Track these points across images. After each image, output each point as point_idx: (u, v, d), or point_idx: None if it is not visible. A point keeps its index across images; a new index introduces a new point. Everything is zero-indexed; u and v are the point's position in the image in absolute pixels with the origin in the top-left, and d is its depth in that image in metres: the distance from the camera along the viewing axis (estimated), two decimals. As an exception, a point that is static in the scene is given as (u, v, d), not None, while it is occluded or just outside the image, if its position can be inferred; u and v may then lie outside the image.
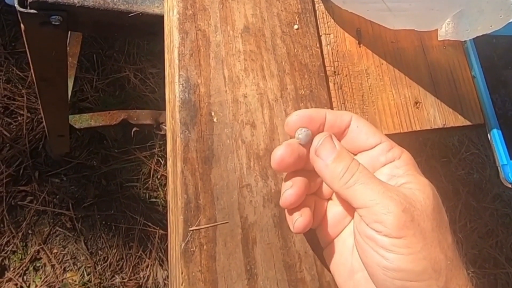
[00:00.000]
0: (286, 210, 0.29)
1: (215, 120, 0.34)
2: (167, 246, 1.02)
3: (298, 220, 0.28)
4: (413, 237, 0.24)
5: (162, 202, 1.06)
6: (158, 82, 1.15)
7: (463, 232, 1.18)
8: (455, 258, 0.25)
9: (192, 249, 0.29)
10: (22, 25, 0.42)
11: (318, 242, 0.31)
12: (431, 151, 1.26)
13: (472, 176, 1.27)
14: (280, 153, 0.27)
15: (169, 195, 0.32)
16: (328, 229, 0.30)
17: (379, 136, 0.28)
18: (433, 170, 1.23)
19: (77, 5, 0.40)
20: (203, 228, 0.30)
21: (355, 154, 0.30)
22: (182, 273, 0.28)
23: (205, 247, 0.29)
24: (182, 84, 0.34)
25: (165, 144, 1.09)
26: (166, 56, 0.38)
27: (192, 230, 0.29)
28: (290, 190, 0.28)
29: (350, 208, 0.29)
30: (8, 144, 1.00)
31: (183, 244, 0.29)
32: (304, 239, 0.31)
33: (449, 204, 1.21)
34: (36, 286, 0.93)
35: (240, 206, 0.31)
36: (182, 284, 0.28)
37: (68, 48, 0.86)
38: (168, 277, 0.98)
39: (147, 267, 0.98)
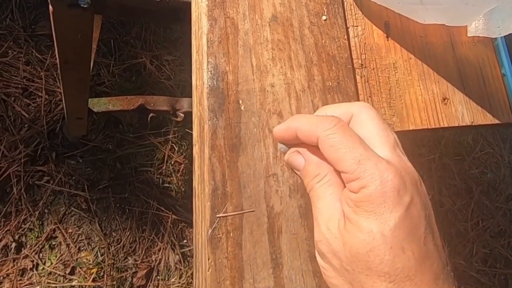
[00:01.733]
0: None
1: (242, 108, 0.34)
2: (179, 231, 1.04)
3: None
4: (328, 264, 0.27)
5: (175, 187, 1.07)
6: (173, 69, 1.15)
7: (475, 230, 1.18)
8: None
9: (219, 235, 0.29)
10: (50, 7, 0.42)
11: None
12: (445, 148, 1.25)
13: (486, 175, 1.26)
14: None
15: (195, 181, 0.33)
16: None
17: (340, 167, 0.26)
18: (446, 168, 1.22)
19: (106, -12, 0.40)
20: (230, 215, 0.30)
21: None
22: (208, 259, 0.28)
23: (231, 234, 0.30)
24: (211, 71, 0.34)
25: (179, 131, 1.09)
26: (194, 42, 0.38)
27: (219, 217, 0.30)
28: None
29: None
30: (26, 125, 1.02)
31: (210, 231, 0.29)
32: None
33: (461, 203, 1.20)
34: (52, 263, 0.95)
35: (266, 195, 0.31)
36: (208, 270, 0.28)
37: (88, 31, 0.86)
38: (180, 262, 1.00)
39: (159, 250, 1.00)
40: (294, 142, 0.30)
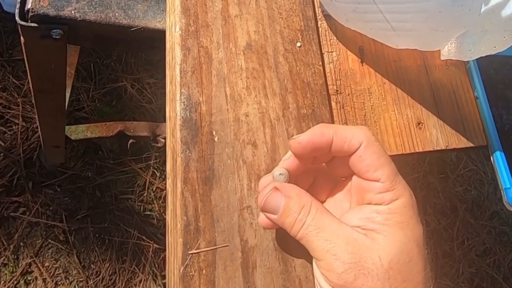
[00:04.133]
0: None
1: (216, 139, 0.33)
2: (161, 260, 1.01)
3: (262, 215, 0.28)
4: None
5: (157, 215, 1.05)
6: (155, 92, 1.14)
7: (461, 249, 1.17)
8: None
9: (191, 273, 0.28)
10: (22, 38, 0.41)
11: None
12: (429, 166, 1.26)
13: (470, 193, 1.27)
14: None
15: (168, 216, 0.32)
16: None
17: (379, 174, 0.26)
18: (431, 186, 1.23)
19: (79, 19, 0.40)
20: (202, 251, 0.29)
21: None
22: (180, 299, 0.27)
23: (204, 271, 0.28)
24: (184, 102, 0.34)
25: (161, 156, 1.08)
26: (168, 72, 0.37)
27: (192, 253, 0.29)
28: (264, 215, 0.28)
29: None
30: (2, 154, 0.99)
31: (182, 268, 0.28)
32: (305, 263, 0.31)
33: (446, 221, 1.21)
34: (27, 300, 0.91)
35: (240, 228, 0.30)
36: (180, 311, 0.27)
37: (66, 58, 0.85)
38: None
39: (140, 282, 0.96)
40: (304, 155, 0.28)
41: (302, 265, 0.30)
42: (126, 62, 1.16)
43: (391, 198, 0.26)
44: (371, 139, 0.27)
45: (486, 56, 0.37)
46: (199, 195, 0.31)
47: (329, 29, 0.43)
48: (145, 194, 1.05)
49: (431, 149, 0.39)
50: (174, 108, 0.34)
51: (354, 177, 0.28)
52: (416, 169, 1.24)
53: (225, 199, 0.31)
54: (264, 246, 0.30)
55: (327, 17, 0.42)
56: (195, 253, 0.29)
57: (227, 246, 0.29)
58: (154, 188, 1.06)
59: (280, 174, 0.28)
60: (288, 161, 0.29)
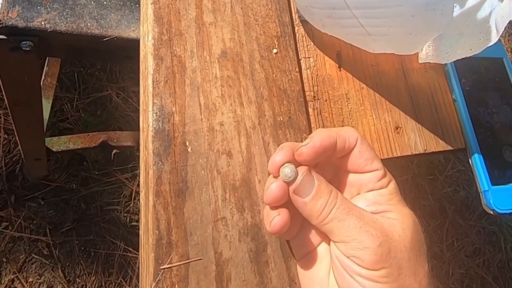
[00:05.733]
0: (265, 209, 0.29)
1: (189, 150, 0.32)
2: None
3: (276, 219, 0.28)
4: (389, 268, 0.25)
5: (144, 225, 1.03)
6: (141, 101, 1.13)
7: (451, 251, 1.17)
8: (429, 285, 0.26)
9: (163, 289, 0.27)
10: (-9, 50, 0.40)
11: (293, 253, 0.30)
12: (417, 168, 1.26)
13: (459, 194, 1.27)
14: (275, 195, 0.28)
15: (141, 231, 0.31)
16: (304, 240, 0.29)
17: (376, 164, 0.29)
18: (419, 188, 1.23)
19: (49, 30, 0.39)
20: (175, 266, 0.28)
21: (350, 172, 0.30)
22: (151, 317, 0.26)
23: (176, 286, 0.28)
24: (156, 112, 0.33)
25: (148, 165, 1.06)
26: (141, 82, 0.36)
27: (163, 268, 0.28)
28: (278, 217, 0.28)
29: None
30: (-17, 168, 0.97)
31: (154, 284, 0.27)
32: (282, 274, 0.30)
33: (436, 223, 1.21)
34: (10, 318, 0.89)
35: (214, 241, 0.29)
36: (151, 329, 0.26)
37: (47, 68, 0.84)
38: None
39: (127, 294, 0.95)
40: (313, 161, 0.28)
41: (278, 277, 0.30)
42: (111, 71, 1.14)
43: (387, 181, 0.28)
44: (360, 134, 0.30)
45: (471, 56, 0.37)
46: (172, 208, 0.30)
47: (306, 35, 0.42)
48: (131, 205, 1.03)
49: (409, 154, 0.38)
50: (147, 119, 0.33)
51: (351, 175, 0.30)
52: (404, 171, 1.24)
53: (199, 211, 0.30)
54: (239, 258, 0.29)
55: (304, 22, 0.42)
56: (167, 268, 0.28)
57: (200, 259, 0.29)
58: (140, 198, 1.04)
59: (290, 170, 0.27)
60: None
